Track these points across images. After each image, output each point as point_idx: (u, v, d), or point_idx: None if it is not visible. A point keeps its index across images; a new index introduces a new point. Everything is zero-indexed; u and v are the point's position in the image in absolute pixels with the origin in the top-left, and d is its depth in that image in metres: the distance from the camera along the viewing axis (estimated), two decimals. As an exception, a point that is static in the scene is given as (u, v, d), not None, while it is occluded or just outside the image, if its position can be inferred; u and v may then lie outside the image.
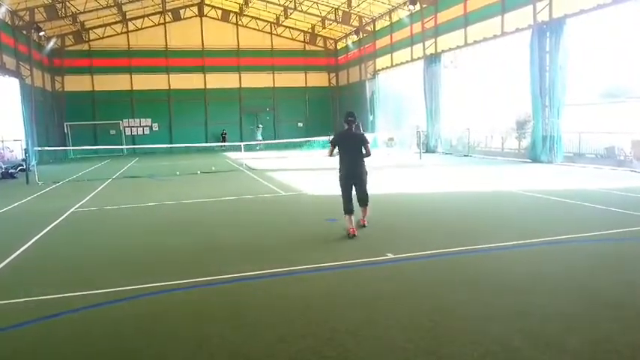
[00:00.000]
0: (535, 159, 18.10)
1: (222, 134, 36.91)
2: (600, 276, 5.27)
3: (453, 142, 25.03)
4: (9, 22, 25.75)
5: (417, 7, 25.55)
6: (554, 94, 17.23)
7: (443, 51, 24.66)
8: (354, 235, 7.17)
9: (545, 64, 17.52)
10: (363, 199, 7.67)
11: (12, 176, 19.31)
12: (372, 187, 13.03)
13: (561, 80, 17.03)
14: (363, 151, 7.39)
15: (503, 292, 4.86)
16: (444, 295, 4.84)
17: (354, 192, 7.61)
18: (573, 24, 16.79)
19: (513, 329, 3.93)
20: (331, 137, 7.57)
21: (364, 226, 7.79)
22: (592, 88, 19.82)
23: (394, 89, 30.83)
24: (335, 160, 7.69)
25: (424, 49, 25.97)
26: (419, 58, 26.68)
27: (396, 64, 29.79)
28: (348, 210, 7.40)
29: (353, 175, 7.44)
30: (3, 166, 19.89)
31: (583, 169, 15.82)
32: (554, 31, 17.09)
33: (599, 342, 3.70)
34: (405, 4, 26.57)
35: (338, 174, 7.60)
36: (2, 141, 25.21)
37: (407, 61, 28.36)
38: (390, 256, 6.19)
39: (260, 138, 34.85)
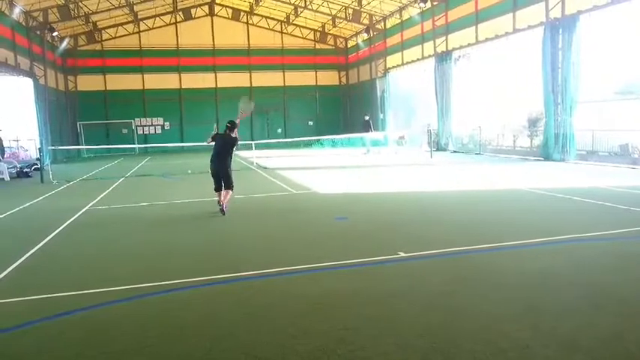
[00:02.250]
0: (547, 157, 17.96)
1: (231, 133, 36.97)
2: (611, 274, 5.24)
3: (464, 141, 24.91)
4: (23, 23, 26.07)
5: (428, 4, 25.44)
6: (567, 92, 17.07)
7: (454, 48, 24.50)
8: (221, 205, 9.43)
9: (557, 61, 17.35)
10: (228, 185, 9.63)
11: (27, 175, 19.57)
12: (384, 186, 13.14)
13: (574, 77, 16.84)
14: (233, 152, 9.65)
15: (514, 290, 4.86)
16: (456, 293, 4.85)
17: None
18: (586, 20, 16.61)
19: (525, 327, 3.94)
20: (213, 132, 9.86)
21: (222, 208, 9.48)
22: (605, 85, 19.60)
23: (405, 87, 30.72)
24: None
25: (435, 47, 25.85)
26: (430, 56, 26.56)
27: (407, 62, 29.67)
28: (217, 189, 9.67)
29: (217, 173, 9.59)
30: (18, 166, 20.17)
31: (596, 167, 15.65)
32: (567, 27, 16.92)
33: (610, 340, 3.69)
34: (415, 1, 26.42)
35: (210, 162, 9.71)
36: (17, 140, 25.61)
37: (417, 59, 28.24)
38: (402, 254, 6.20)
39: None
